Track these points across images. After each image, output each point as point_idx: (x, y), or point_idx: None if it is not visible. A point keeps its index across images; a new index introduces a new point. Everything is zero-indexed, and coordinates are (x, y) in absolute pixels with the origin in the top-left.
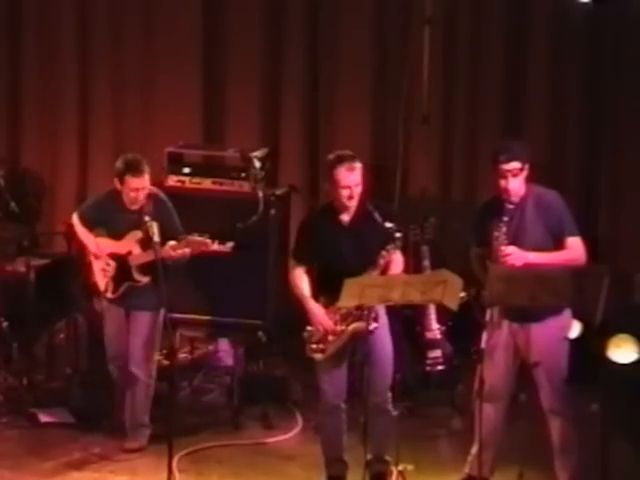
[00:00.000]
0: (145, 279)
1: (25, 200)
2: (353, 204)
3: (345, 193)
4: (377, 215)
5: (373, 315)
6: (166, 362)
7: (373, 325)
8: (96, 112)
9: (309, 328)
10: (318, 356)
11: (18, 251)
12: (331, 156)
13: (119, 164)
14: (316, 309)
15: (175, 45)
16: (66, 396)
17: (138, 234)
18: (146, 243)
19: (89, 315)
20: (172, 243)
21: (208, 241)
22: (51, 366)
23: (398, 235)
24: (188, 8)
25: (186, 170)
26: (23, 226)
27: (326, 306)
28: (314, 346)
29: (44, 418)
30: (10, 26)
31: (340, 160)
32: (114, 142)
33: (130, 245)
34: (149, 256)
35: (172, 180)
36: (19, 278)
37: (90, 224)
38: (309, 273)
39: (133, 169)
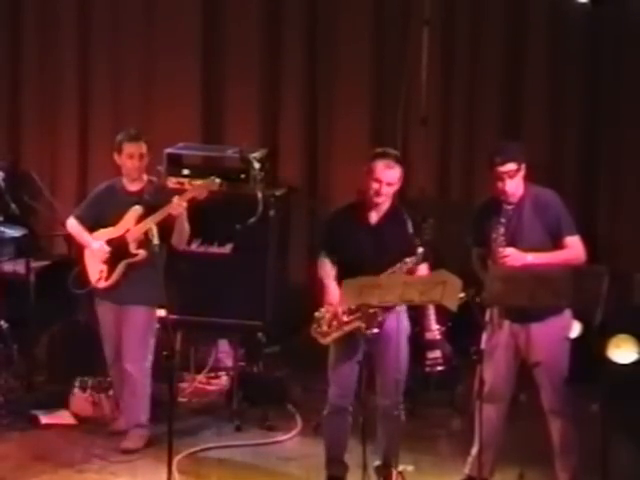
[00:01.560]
0: (142, 252)
1: (25, 202)
2: (380, 201)
3: (375, 186)
4: (410, 225)
5: (379, 320)
6: (166, 363)
7: (374, 330)
8: (96, 112)
9: (322, 309)
10: (319, 339)
11: (18, 253)
12: (377, 149)
13: (118, 137)
14: (333, 288)
15: (174, 45)
16: (66, 398)
17: (139, 210)
18: (144, 219)
19: (89, 316)
20: (176, 197)
21: (214, 179)
22: (51, 368)
23: (420, 250)
24: (188, 8)
25: (185, 171)
26: (23, 228)
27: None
28: (319, 328)
29: (45, 420)
30: (10, 25)
31: (383, 155)
32: (114, 143)
33: (128, 223)
34: (146, 225)
35: (171, 182)
36: (19, 280)
37: (89, 224)
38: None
39: (129, 135)
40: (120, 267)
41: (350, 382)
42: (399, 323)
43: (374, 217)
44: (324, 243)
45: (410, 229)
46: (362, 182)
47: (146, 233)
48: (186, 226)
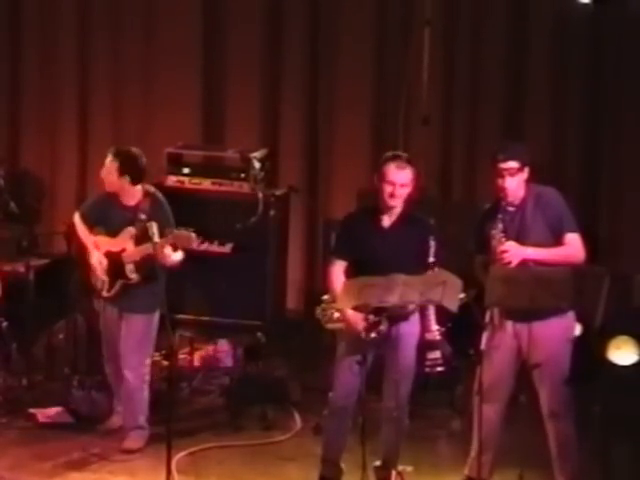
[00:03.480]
0: (137, 276)
1: (24, 200)
2: (395, 204)
3: (388, 189)
4: (432, 250)
5: (381, 328)
6: (165, 363)
7: (372, 335)
8: (96, 112)
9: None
10: (323, 321)
11: (17, 251)
12: (387, 154)
13: (117, 160)
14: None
15: (175, 45)
16: (65, 396)
17: (132, 230)
18: (140, 240)
19: (88, 315)
20: (161, 240)
21: (192, 235)
22: (50, 366)
23: (436, 270)
24: (188, 8)
25: (186, 170)
26: (22, 226)
27: None
28: (324, 311)
29: (43, 418)
30: (10, 26)
31: (393, 158)
32: (114, 142)
33: (125, 242)
34: (141, 252)
35: (171, 180)
36: (18, 278)
37: (90, 223)
38: (347, 272)
39: (131, 176)
40: (117, 285)
41: (352, 382)
42: (407, 326)
43: (387, 221)
44: (340, 245)
45: (432, 252)
46: (375, 188)
47: (146, 231)
48: (176, 259)
